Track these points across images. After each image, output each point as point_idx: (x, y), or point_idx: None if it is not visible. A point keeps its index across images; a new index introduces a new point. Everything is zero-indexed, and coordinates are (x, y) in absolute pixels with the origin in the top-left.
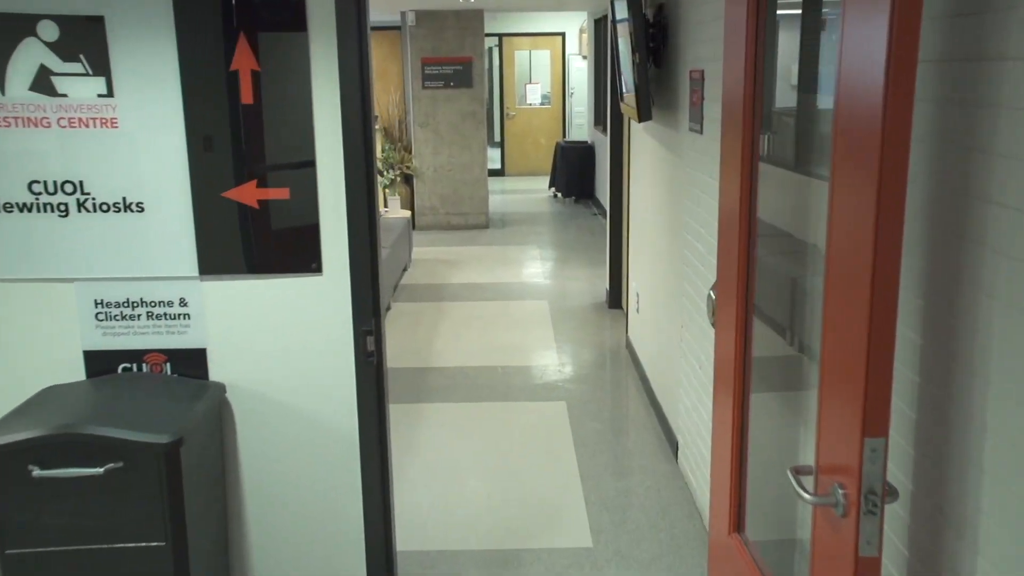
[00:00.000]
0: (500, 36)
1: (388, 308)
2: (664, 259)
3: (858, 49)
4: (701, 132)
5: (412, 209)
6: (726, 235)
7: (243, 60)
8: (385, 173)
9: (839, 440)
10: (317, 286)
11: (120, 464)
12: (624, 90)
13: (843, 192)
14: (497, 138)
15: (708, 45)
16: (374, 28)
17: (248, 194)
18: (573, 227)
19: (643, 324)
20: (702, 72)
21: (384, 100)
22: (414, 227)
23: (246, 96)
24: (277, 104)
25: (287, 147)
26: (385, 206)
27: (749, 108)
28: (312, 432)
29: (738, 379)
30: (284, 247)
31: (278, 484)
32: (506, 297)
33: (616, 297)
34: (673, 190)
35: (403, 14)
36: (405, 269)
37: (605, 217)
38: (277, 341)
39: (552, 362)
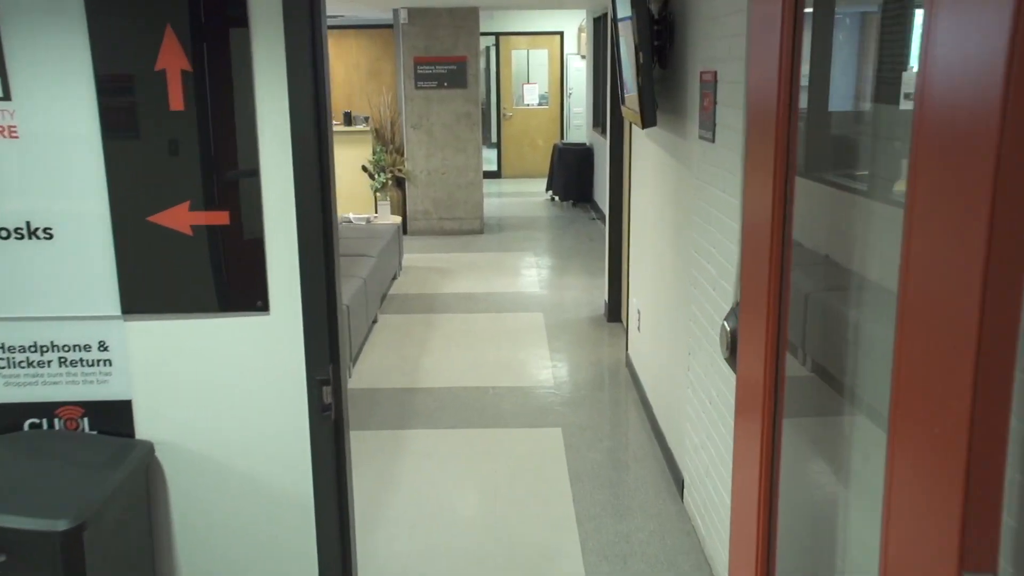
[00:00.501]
0: (497, 35)
1: (375, 321)
2: (669, 277)
3: (961, 28)
4: (713, 140)
5: (404, 214)
6: (753, 257)
7: (170, 58)
8: (376, 176)
9: (918, 572)
10: (264, 327)
11: (3, 559)
12: (626, 93)
13: (930, 219)
14: (494, 139)
15: (722, 43)
16: (366, 26)
17: (179, 218)
18: (571, 232)
19: (644, 343)
20: (715, 74)
21: (376, 101)
22: (406, 232)
23: (175, 101)
24: (213, 111)
25: (226, 162)
26: (375, 212)
27: (783, 112)
28: (259, 499)
29: (767, 422)
30: (224, 281)
31: (219, 561)
32: (500, 309)
33: (615, 310)
34: (679, 203)
35: (395, 12)
36: (395, 278)
37: (604, 222)
38: (216, 392)
39: (547, 382)
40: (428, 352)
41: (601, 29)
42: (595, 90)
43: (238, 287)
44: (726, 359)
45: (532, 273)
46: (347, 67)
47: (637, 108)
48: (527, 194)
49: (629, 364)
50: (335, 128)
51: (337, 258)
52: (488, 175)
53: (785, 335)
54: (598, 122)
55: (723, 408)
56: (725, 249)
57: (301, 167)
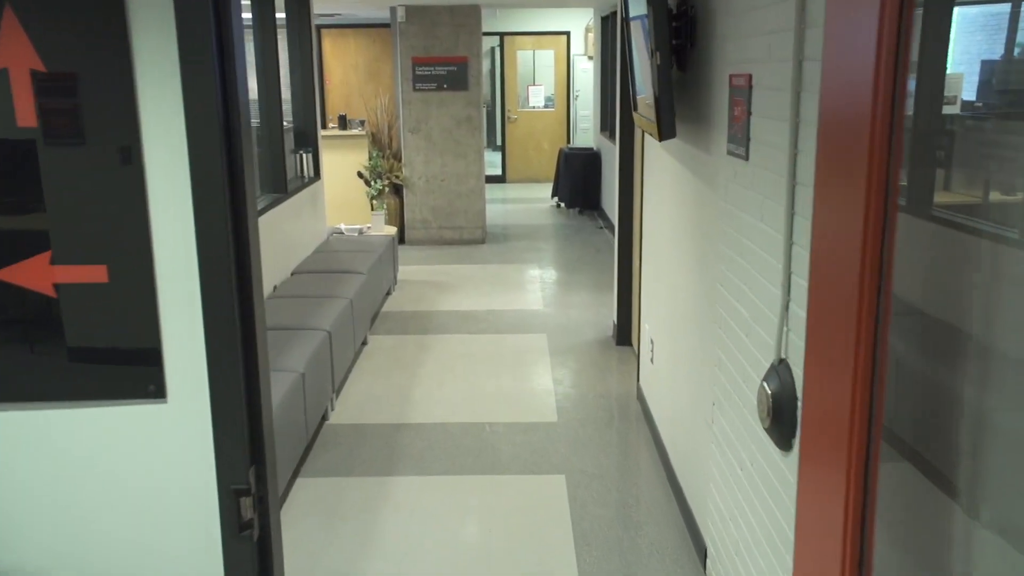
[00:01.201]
0: (501, 35)
1: (364, 343)
2: (688, 310)
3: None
4: (746, 158)
5: (402, 222)
6: (827, 312)
7: (14, 53)
8: (373, 183)
9: None
10: (158, 420)
11: None
12: (638, 98)
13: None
14: (498, 143)
15: (759, 41)
16: (364, 25)
17: (37, 275)
18: (577, 242)
19: (659, 378)
20: (748, 78)
21: (372, 104)
22: (403, 242)
23: (24, 114)
24: (79, 126)
25: (100, 199)
26: (368, 223)
27: (882, 127)
28: None
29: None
30: (103, 358)
31: None
32: (500, 329)
33: (625, 333)
34: (701, 227)
35: (392, 10)
36: (388, 293)
37: (612, 232)
38: (93, 507)
39: (550, 417)
40: (420, 380)
41: (609, 29)
42: (603, 92)
43: (122, 366)
44: (766, 428)
45: (535, 288)
46: (344, 68)
47: (652, 117)
48: (532, 200)
49: (640, 397)
50: (330, 132)
51: (261, 324)
52: (492, 179)
53: (879, 429)
54: (606, 126)
55: (760, 481)
56: (762, 290)
57: (205, 202)
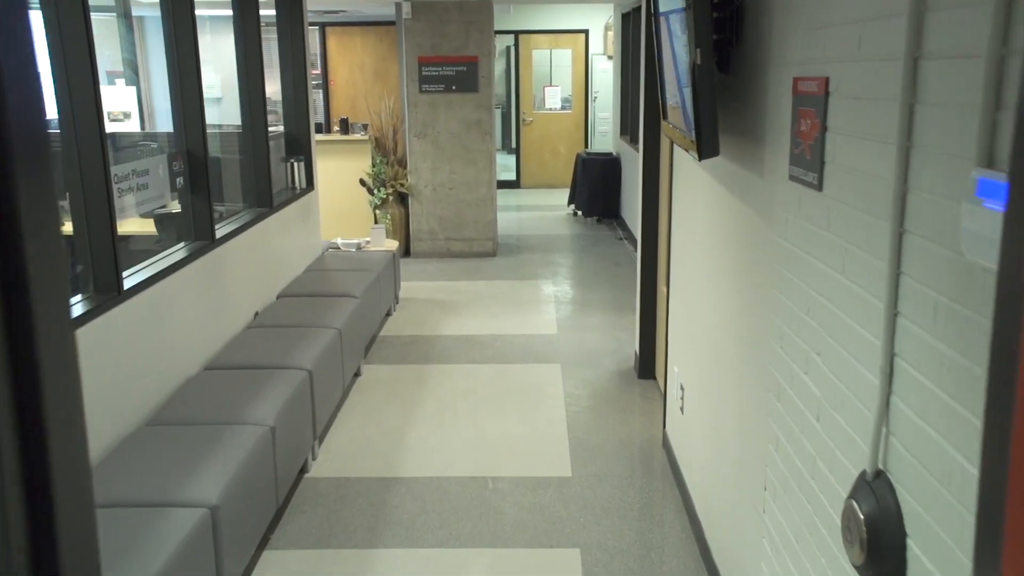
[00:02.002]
0: (516, 33)
1: (357, 374)
2: (732, 366)
3: None
4: (818, 187)
5: (407, 233)
6: None
7: None
8: (376, 191)
9: None
10: None
11: None
12: (668, 105)
13: None
14: (513, 145)
15: (843, 32)
16: (371, 23)
17: None
18: (595, 255)
19: (690, 434)
20: (824, 82)
21: (376, 107)
22: (409, 254)
23: None
24: None
25: None
26: (367, 237)
27: None
28: None
29: None
30: None
31: None
32: (508, 358)
33: (648, 365)
34: (749, 267)
35: (397, 6)
36: (388, 314)
37: (633, 244)
38: None
39: (563, 470)
40: (417, 421)
41: (631, 26)
42: (623, 94)
43: None
44: (857, 566)
45: (549, 308)
46: (351, 68)
47: (689, 130)
48: (547, 207)
49: (667, 445)
50: (331, 137)
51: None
52: (505, 185)
53: None
54: (626, 130)
55: None
56: (844, 368)
57: None
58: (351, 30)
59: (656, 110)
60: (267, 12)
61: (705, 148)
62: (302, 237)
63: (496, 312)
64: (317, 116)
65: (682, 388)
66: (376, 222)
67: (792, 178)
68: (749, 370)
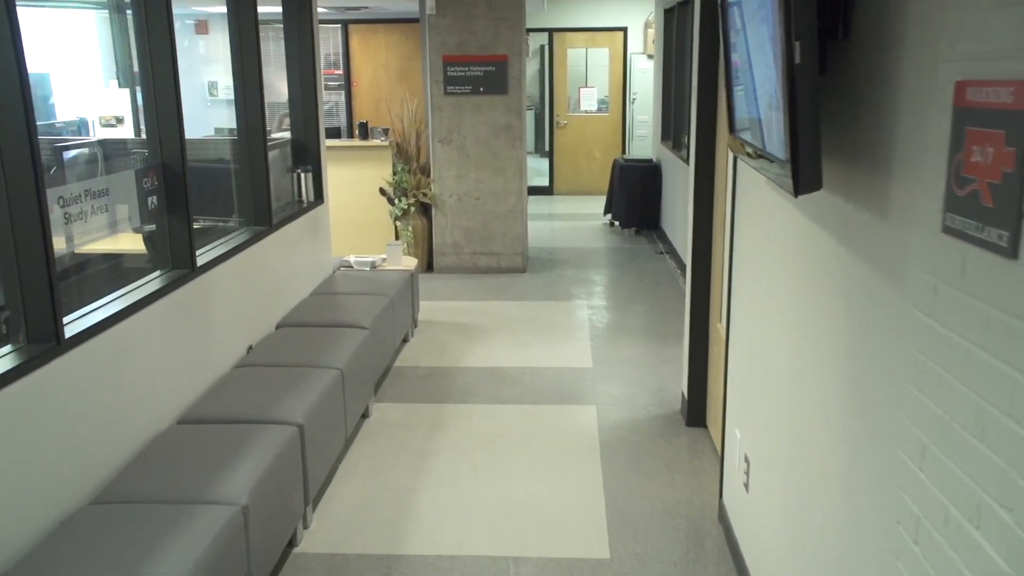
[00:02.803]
0: (550, 32)
1: (365, 415)
2: (831, 465)
3: None
4: (1010, 252)
5: (430, 247)
6: None
7: None
8: (397, 201)
9: None
10: None
11: None
12: (737, 116)
13: None
14: (546, 147)
15: None
16: (396, 20)
17: None
18: (633, 272)
19: (758, 514)
20: (1019, 89)
21: (398, 110)
22: (432, 269)
23: None
24: None
25: None
26: (383, 254)
27: None
28: None
29: None
30: None
31: None
32: (537, 397)
33: (698, 411)
34: (866, 344)
35: (421, 1)
36: (405, 341)
37: (675, 261)
38: None
39: (599, 551)
40: (429, 478)
41: (674, 23)
42: (665, 96)
43: None
44: None
45: (583, 335)
46: (375, 68)
47: (776, 151)
48: (582, 217)
49: (724, 520)
50: (348, 143)
51: None
52: (538, 191)
53: None
54: (668, 134)
55: None
56: None
57: None
58: (375, 27)
59: (709, 117)
60: (274, 8)
61: (804, 178)
62: (309, 256)
63: (525, 339)
64: (338, 119)
65: (747, 460)
66: (396, 235)
67: (950, 230)
68: (856, 464)
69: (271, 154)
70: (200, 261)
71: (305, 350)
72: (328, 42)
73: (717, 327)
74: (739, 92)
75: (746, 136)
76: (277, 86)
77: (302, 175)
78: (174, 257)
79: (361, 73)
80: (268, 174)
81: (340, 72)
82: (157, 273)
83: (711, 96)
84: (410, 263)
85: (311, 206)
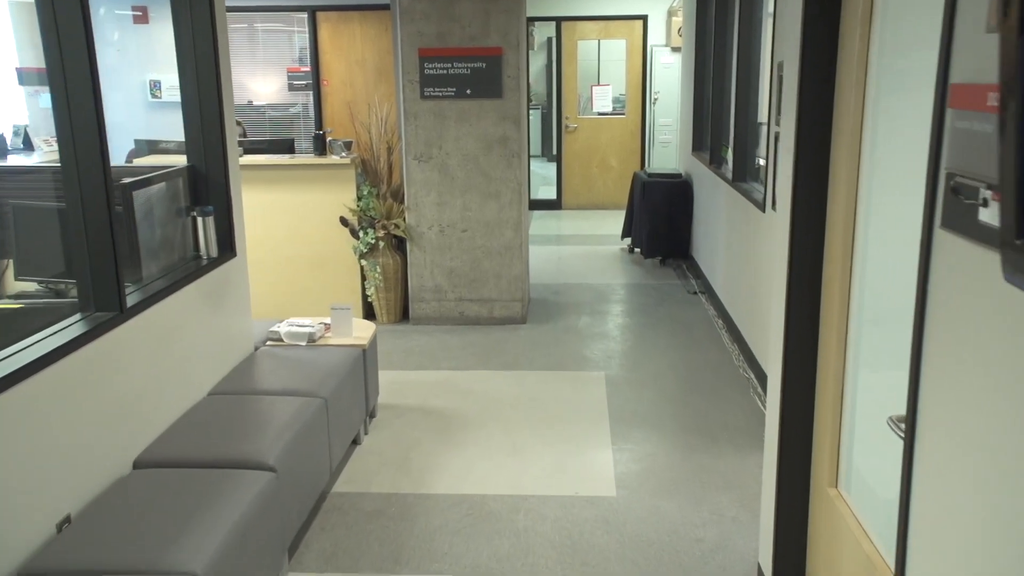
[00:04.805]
0: (558, 20)
1: None
2: None
3: None
4: None
5: (404, 291)
6: None
7: None
8: (363, 234)
9: None
10: None
11: None
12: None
13: None
14: (554, 151)
15: None
16: (371, 7)
17: None
18: (663, 319)
19: None
20: None
21: (365, 118)
22: (407, 318)
23: None
24: None
25: None
26: (326, 318)
27: None
28: None
29: None
30: None
31: None
32: (535, 562)
33: None
34: None
35: None
36: (356, 443)
37: (714, 305)
38: None
39: None
40: None
41: (709, 10)
42: (697, 99)
43: None
44: None
45: (601, 432)
46: (348, 64)
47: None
48: (595, 239)
49: None
50: (301, 160)
51: None
52: (544, 205)
53: None
54: (702, 144)
55: None
56: None
57: None
58: (348, 16)
59: (820, 155)
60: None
61: None
62: (208, 337)
63: (520, 440)
64: (302, 127)
65: None
66: (363, 276)
67: None
68: None
69: (144, 192)
70: None
71: (164, 522)
72: (292, 34)
73: (827, 493)
74: None
75: None
76: (248, 85)
77: (198, 220)
78: None
79: (332, 70)
80: (112, 228)
81: (307, 69)
82: None
83: (820, 126)
84: (364, 332)
85: (214, 263)
